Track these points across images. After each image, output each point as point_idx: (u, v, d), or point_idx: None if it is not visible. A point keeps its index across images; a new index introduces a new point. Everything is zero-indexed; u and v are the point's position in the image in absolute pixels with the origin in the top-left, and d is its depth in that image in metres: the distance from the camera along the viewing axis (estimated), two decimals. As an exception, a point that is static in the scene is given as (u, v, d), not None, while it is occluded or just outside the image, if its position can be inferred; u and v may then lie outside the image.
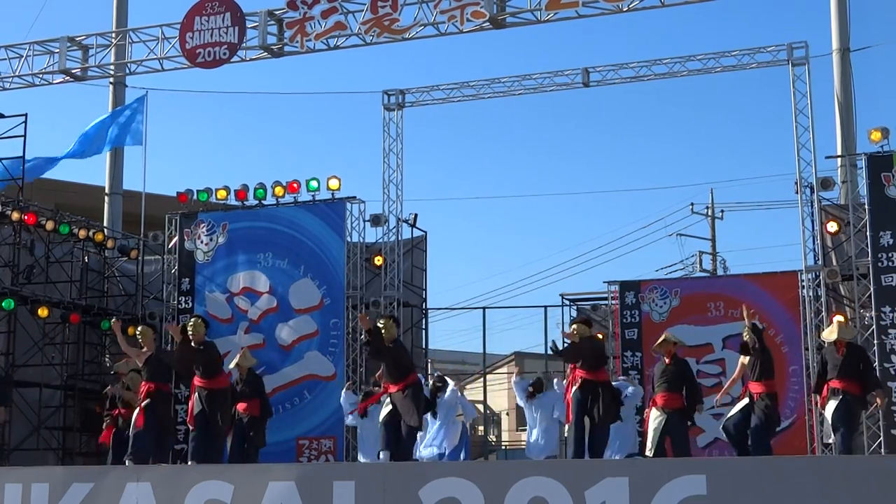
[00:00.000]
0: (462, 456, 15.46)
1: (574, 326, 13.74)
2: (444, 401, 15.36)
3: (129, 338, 16.01)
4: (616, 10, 15.83)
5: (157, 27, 18.04)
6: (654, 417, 13.58)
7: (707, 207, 37.79)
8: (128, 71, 19.45)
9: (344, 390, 17.20)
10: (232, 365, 15.34)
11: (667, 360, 13.80)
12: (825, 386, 13.01)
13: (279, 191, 19.57)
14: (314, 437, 18.63)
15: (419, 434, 14.13)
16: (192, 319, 14.87)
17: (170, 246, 20.44)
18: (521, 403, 16.32)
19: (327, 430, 18.51)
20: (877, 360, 16.59)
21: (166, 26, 17.87)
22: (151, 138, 21.61)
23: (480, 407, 26.90)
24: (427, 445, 15.32)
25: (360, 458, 16.03)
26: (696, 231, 37.79)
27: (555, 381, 16.30)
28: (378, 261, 19.44)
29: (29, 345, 19.38)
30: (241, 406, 15.01)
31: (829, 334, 13.32)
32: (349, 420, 16.91)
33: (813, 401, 17.24)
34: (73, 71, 18.73)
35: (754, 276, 19.05)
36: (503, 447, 31.37)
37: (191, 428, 14.60)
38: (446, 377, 16.42)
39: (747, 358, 13.34)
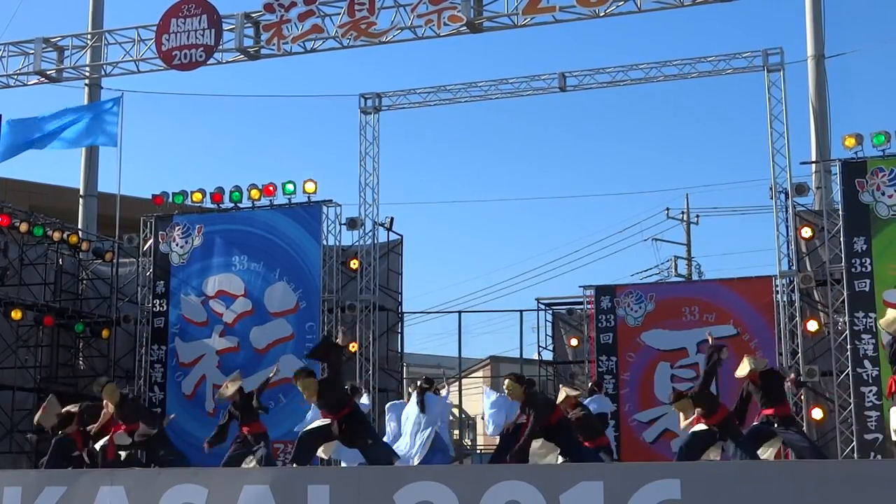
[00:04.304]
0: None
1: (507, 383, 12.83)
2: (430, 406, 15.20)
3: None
4: (593, 15, 15.90)
5: (133, 29, 18.01)
6: None
7: (682, 212, 37.91)
8: (103, 72, 19.37)
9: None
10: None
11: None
12: None
13: (255, 194, 19.54)
14: (289, 441, 18.43)
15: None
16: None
17: (145, 248, 20.37)
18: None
19: (302, 433, 18.46)
20: (850, 365, 16.70)
21: (142, 28, 17.83)
22: (127, 140, 21.54)
23: (455, 411, 26.85)
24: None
25: (343, 464, 15.96)
26: (671, 236, 37.92)
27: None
28: (354, 264, 19.42)
29: (2, 347, 19.27)
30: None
31: None
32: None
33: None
34: (49, 72, 18.66)
35: (729, 280, 19.14)
36: (478, 451, 31.32)
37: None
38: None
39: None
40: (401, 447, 14.92)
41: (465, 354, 25.72)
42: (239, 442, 14.24)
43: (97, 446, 14.07)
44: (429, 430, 15.02)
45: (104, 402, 14.46)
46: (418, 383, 15.82)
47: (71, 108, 21.72)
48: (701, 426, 13.41)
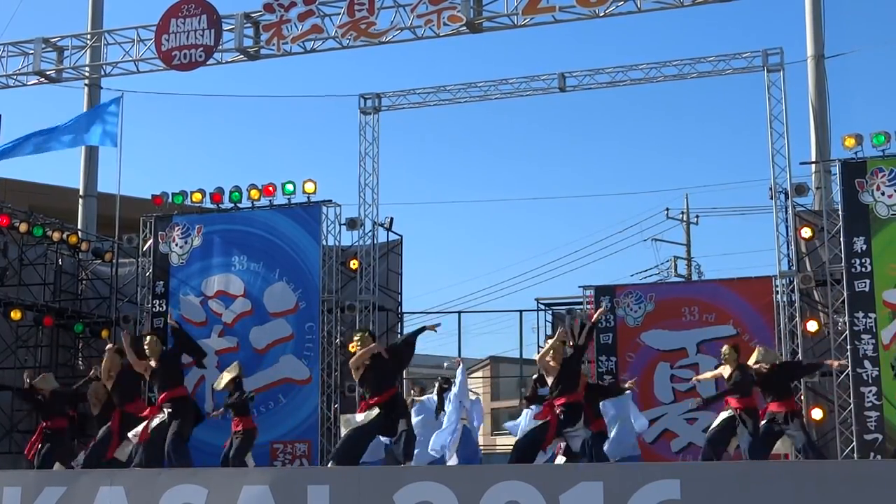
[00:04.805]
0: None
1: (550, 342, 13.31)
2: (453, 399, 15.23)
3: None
4: (593, 16, 15.90)
5: (133, 29, 18.00)
6: None
7: (682, 212, 37.95)
8: (103, 73, 19.36)
9: None
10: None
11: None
12: None
13: (255, 194, 19.52)
14: (289, 441, 18.58)
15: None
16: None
17: (144, 248, 20.35)
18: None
19: (302, 434, 18.48)
20: (850, 365, 16.68)
21: (142, 28, 17.83)
22: (126, 140, 21.50)
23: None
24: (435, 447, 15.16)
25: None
26: (671, 236, 37.95)
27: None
28: (354, 264, 19.39)
29: (2, 347, 19.26)
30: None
31: None
32: None
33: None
34: (48, 72, 18.65)
35: (729, 281, 19.10)
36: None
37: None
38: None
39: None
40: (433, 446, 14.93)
41: (465, 354, 25.70)
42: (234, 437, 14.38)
43: (130, 435, 14.06)
44: (455, 422, 15.03)
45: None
46: (436, 384, 15.87)
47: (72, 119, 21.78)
48: (723, 415, 13.56)
